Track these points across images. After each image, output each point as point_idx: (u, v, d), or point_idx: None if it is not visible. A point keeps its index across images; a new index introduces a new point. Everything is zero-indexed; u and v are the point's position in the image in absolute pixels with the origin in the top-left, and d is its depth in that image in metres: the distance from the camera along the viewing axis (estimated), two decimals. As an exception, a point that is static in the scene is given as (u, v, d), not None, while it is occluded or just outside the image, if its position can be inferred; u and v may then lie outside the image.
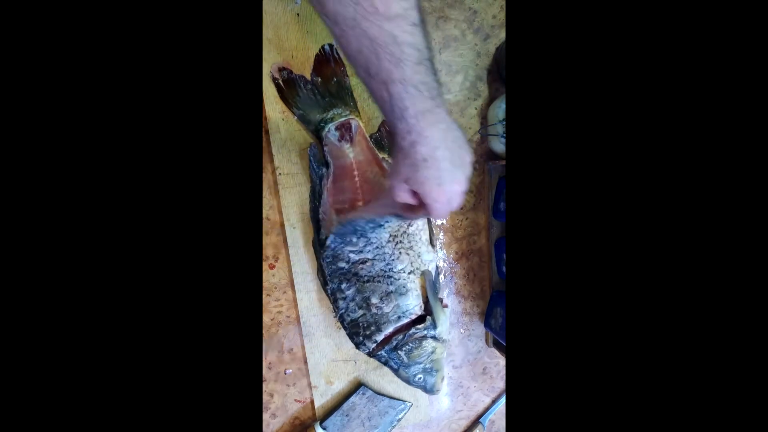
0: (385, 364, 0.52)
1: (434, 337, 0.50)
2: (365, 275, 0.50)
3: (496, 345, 0.60)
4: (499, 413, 0.66)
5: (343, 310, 0.52)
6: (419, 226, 0.52)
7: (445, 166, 0.32)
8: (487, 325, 0.60)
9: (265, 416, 0.58)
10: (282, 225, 0.54)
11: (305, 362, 0.57)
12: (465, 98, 0.57)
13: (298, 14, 0.51)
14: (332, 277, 0.51)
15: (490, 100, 0.57)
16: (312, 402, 0.58)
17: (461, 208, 0.59)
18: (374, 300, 0.50)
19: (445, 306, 0.52)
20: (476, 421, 0.65)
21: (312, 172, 0.52)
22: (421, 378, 0.51)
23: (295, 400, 0.58)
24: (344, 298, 0.51)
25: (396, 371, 0.52)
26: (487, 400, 0.65)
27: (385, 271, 0.50)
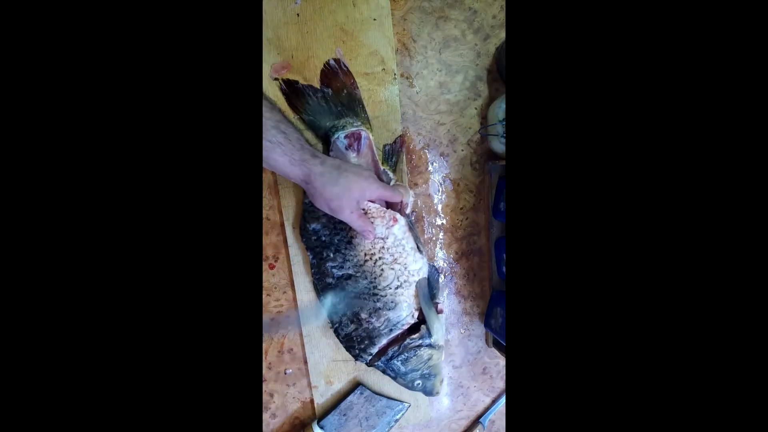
0: (384, 372, 0.52)
1: (430, 345, 0.51)
2: (351, 291, 0.51)
3: (496, 345, 0.60)
4: (499, 413, 0.66)
5: (337, 324, 0.52)
6: (397, 237, 0.50)
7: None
8: (487, 325, 0.60)
9: (265, 416, 0.58)
10: (282, 225, 0.54)
11: (305, 362, 0.57)
12: (465, 98, 0.57)
13: (298, 14, 0.51)
14: (324, 293, 0.52)
15: (490, 100, 0.57)
16: (312, 401, 0.58)
17: (461, 208, 0.59)
18: (363, 315, 0.51)
19: (440, 312, 0.52)
20: (476, 421, 0.65)
21: None
22: (419, 384, 0.52)
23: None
24: (336, 313, 0.52)
25: (394, 379, 0.52)
26: (487, 400, 0.65)
27: (370, 289, 0.50)
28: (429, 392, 0.52)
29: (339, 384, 0.58)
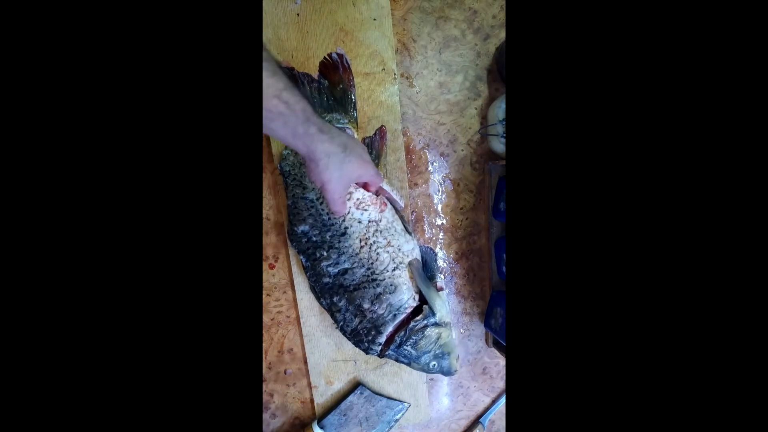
0: (397, 360, 0.52)
1: (435, 324, 0.50)
2: (350, 284, 0.51)
3: (496, 345, 0.60)
4: (499, 413, 0.66)
5: (341, 322, 0.52)
6: (389, 219, 0.51)
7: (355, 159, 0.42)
8: (487, 325, 0.60)
9: (265, 416, 0.59)
10: (282, 225, 0.54)
11: (305, 362, 0.57)
12: (465, 98, 0.57)
13: (298, 14, 0.51)
14: (322, 293, 0.52)
15: (490, 100, 0.57)
16: (312, 401, 0.58)
17: (461, 208, 0.59)
18: (366, 305, 0.50)
19: (441, 289, 0.52)
20: (476, 421, 0.65)
21: (286, 189, 0.52)
22: (435, 365, 0.51)
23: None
24: (339, 311, 0.52)
25: (409, 365, 0.52)
26: (487, 400, 0.65)
27: (368, 276, 0.50)
28: (447, 372, 0.52)
29: (339, 384, 0.58)
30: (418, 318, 0.50)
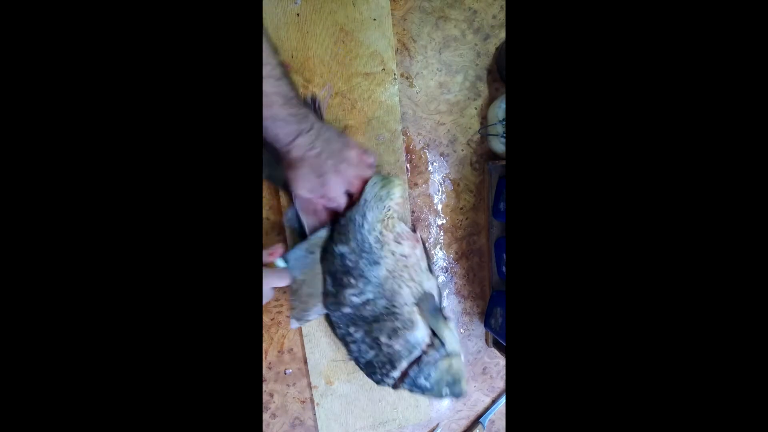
0: (411, 391, 0.52)
1: (447, 355, 0.51)
2: (370, 316, 0.50)
3: (496, 345, 0.60)
4: (499, 413, 0.66)
5: (356, 353, 0.52)
6: (417, 257, 0.51)
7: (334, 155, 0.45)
8: (487, 325, 0.60)
9: (265, 416, 0.59)
10: (282, 225, 0.54)
11: (305, 362, 0.57)
12: (465, 98, 0.57)
13: (298, 14, 0.51)
14: (339, 323, 0.52)
15: (490, 100, 0.57)
16: (312, 401, 0.58)
17: (461, 208, 0.59)
18: (383, 339, 0.50)
19: (447, 318, 0.52)
20: (476, 421, 0.65)
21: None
22: (447, 391, 0.52)
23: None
24: (354, 342, 0.52)
25: (423, 394, 0.53)
26: (487, 400, 0.65)
27: (389, 308, 0.50)
28: (458, 396, 0.53)
29: (339, 384, 0.58)
30: (429, 352, 0.51)
